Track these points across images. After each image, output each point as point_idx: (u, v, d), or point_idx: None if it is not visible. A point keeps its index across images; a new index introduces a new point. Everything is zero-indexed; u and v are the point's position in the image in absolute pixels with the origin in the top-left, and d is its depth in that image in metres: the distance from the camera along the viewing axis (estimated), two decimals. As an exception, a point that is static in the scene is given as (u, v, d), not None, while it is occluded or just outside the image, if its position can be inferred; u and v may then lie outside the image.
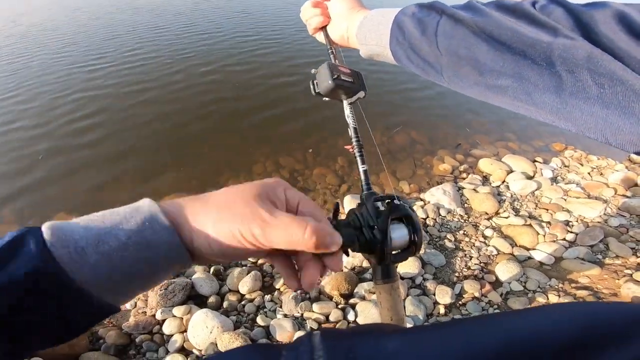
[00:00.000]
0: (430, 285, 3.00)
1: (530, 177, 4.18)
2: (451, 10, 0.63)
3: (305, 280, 0.51)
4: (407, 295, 2.90)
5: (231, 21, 9.71)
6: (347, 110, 0.82)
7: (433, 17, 0.64)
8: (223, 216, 0.44)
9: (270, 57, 7.25)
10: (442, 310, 2.87)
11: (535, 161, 4.63)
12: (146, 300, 2.82)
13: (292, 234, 0.43)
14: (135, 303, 2.82)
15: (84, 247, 0.38)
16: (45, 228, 0.38)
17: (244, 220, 0.43)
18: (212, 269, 3.12)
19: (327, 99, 0.85)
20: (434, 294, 2.93)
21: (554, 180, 4.25)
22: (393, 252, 0.61)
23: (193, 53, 7.24)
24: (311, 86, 0.84)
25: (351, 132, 0.79)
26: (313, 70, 0.83)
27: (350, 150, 0.80)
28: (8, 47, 7.96)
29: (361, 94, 0.83)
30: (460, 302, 2.93)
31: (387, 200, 0.65)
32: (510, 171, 4.32)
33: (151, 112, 5.15)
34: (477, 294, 2.93)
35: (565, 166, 4.62)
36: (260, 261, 3.27)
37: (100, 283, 0.39)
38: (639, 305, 0.40)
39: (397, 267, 0.66)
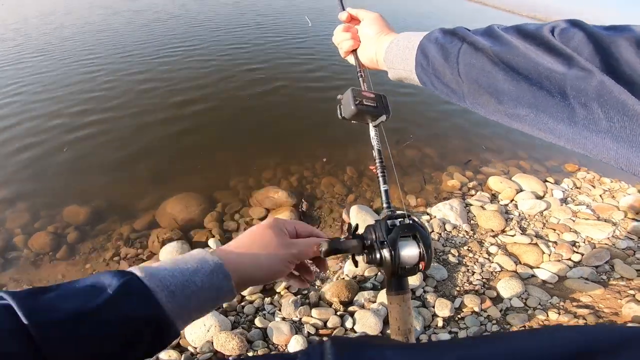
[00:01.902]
0: (430, 297, 2.99)
1: (539, 197, 4.14)
2: (472, 37, 0.64)
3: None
4: (406, 307, 2.89)
5: (259, 31, 9.88)
6: (372, 133, 0.86)
7: (455, 44, 0.66)
8: (269, 252, 0.63)
9: (296, 67, 7.37)
10: (440, 323, 2.85)
11: (546, 181, 4.58)
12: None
13: (312, 247, 0.67)
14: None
15: (174, 291, 0.51)
16: (142, 274, 0.50)
17: (282, 248, 0.64)
18: (215, 270, 3.17)
19: (353, 122, 0.89)
20: (434, 307, 2.92)
21: (564, 201, 4.19)
22: (403, 267, 0.66)
23: (216, 60, 7.38)
24: (338, 111, 0.89)
25: (375, 153, 0.84)
26: (339, 96, 0.88)
27: (374, 170, 0.86)
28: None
29: (383, 117, 0.86)
30: (459, 316, 2.91)
31: (399, 219, 0.70)
32: (520, 190, 4.28)
33: (166, 115, 5.29)
34: (476, 309, 2.90)
35: (577, 187, 4.56)
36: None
37: (181, 317, 0.52)
38: (627, 327, 0.42)
39: (408, 280, 0.73)
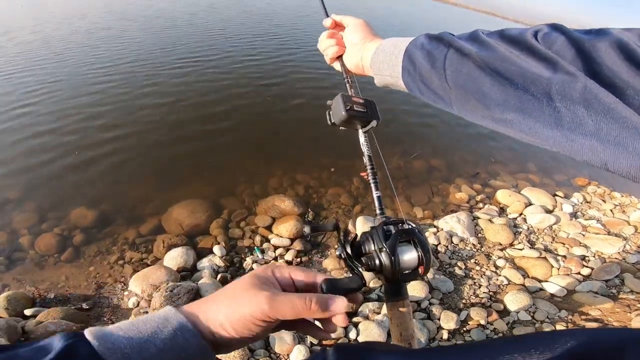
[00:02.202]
0: (435, 310, 2.94)
1: (549, 211, 4.08)
2: (458, 43, 0.64)
3: (331, 328, 0.59)
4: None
5: (271, 43, 10.00)
6: (361, 139, 0.85)
7: (441, 50, 0.65)
8: (233, 307, 0.53)
9: (309, 81, 7.37)
10: (445, 336, 2.81)
11: (555, 195, 4.53)
12: (149, 300, 2.87)
13: (296, 305, 0.52)
14: (138, 302, 2.88)
15: (130, 354, 0.46)
16: (92, 337, 0.46)
17: (251, 303, 0.52)
18: (219, 276, 3.16)
19: (342, 128, 0.87)
20: (439, 319, 2.87)
21: (573, 215, 4.13)
22: (402, 272, 0.65)
23: (228, 70, 7.45)
24: (327, 116, 0.87)
25: (366, 159, 0.82)
26: (328, 102, 0.86)
27: (365, 177, 0.83)
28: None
29: (374, 123, 0.85)
30: (464, 329, 2.87)
31: (398, 224, 0.69)
32: (529, 204, 4.24)
33: (175, 122, 5.35)
34: (482, 322, 2.85)
35: (587, 202, 4.50)
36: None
37: None
38: (628, 329, 0.41)
39: (406, 285, 0.70)
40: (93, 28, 10.24)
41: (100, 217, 3.59)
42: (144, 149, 4.65)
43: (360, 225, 3.72)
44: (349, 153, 4.68)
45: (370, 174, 0.80)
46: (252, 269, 3.30)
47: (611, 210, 4.18)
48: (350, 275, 0.64)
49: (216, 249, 3.39)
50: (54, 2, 14.79)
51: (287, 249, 3.56)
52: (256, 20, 13.13)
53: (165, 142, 4.85)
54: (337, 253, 0.70)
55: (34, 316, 2.62)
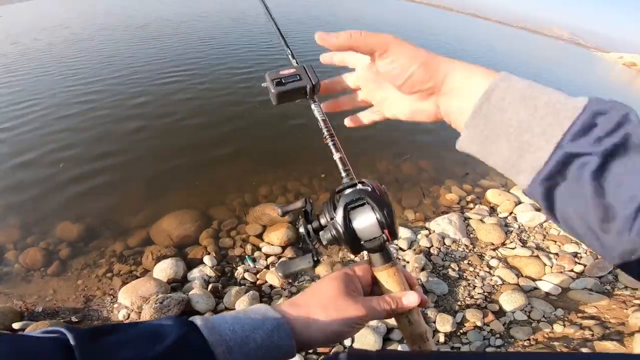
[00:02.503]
0: (431, 313, 2.93)
1: (539, 209, 4.09)
2: None
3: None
4: (407, 323, 2.83)
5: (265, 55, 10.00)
6: (312, 106, 0.78)
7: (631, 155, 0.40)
8: (328, 317, 0.57)
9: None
10: (442, 339, 2.79)
11: (544, 192, 4.49)
12: (139, 312, 2.82)
13: (385, 309, 0.59)
14: (129, 315, 2.83)
15: (232, 347, 0.50)
16: (203, 327, 0.51)
17: (349, 310, 0.57)
18: (210, 286, 3.12)
19: (290, 103, 0.80)
20: (434, 322, 2.85)
21: None
22: (366, 240, 0.58)
23: (218, 81, 7.45)
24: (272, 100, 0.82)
25: (321, 124, 0.75)
26: (263, 84, 0.79)
27: (325, 141, 0.75)
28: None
29: (309, 86, 0.77)
30: (461, 331, 2.85)
31: (350, 188, 0.61)
32: (519, 202, 4.26)
33: (162, 132, 5.31)
34: (479, 323, 2.84)
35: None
36: (259, 282, 3.27)
37: None
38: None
39: (389, 251, 0.61)
40: (75, 39, 10.17)
41: (87, 231, 3.52)
42: (130, 161, 4.58)
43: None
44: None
45: (328, 137, 0.72)
46: (243, 278, 3.27)
47: (602, 206, 4.22)
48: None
49: (206, 259, 3.34)
50: (32, 12, 14.75)
51: (278, 257, 3.52)
52: (247, 29, 13.11)
53: (152, 153, 4.79)
54: (301, 230, 0.64)
55: (22, 329, 2.57)
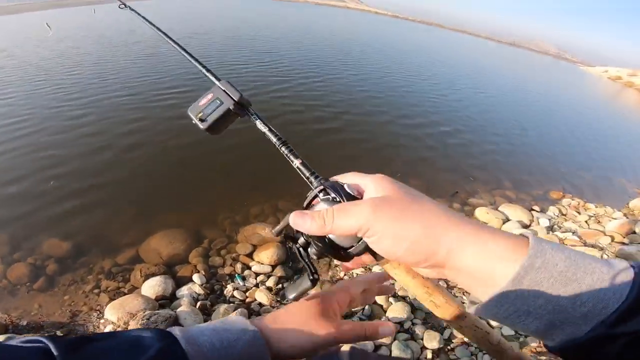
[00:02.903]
0: (418, 330, 2.93)
1: (526, 226, 4.14)
2: None
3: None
4: (394, 340, 2.83)
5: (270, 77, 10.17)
6: (256, 123, 0.71)
7: None
8: (305, 334, 0.59)
9: (290, 105, 7.61)
10: (429, 355, 2.78)
11: (532, 210, 4.61)
12: (126, 327, 2.81)
13: (358, 334, 0.62)
14: (115, 330, 2.81)
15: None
16: (182, 339, 0.52)
17: (322, 329, 0.59)
18: (198, 304, 3.11)
19: (229, 127, 0.78)
20: (422, 339, 2.85)
21: (550, 228, 4.18)
22: (344, 249, 0.54)
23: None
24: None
25: (268, 135, 0.69)
26: (193, 122, 0.76)
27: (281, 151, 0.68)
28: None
29: (230, 103, 0.73)
30: (449, 347, 2.84)
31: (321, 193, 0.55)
32: (507, 220, 4.29)
33: (155, 151, 5.39)
34: (466, 339, 2.82)
35: (563, 215, 4.58)
36: (248, 299, 3.27)
37: None
38: None
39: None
40: (72, 53, 10.38)
41: (75, 248, 3.54)
42: (121, 180, 4.64)
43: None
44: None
45: (281, 146, 0.67)
46: (233, 296, 3.27)
47: (586, 222, 4.25)
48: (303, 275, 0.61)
49: (196, 277, 3.35)
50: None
51: (268, 276, 3.53)
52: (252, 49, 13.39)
53: (144, 172, 4.86)
54: (295, 247, 0.59)
55: (4, 344, 2.55)
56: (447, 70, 17.84)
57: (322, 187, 0.54)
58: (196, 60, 0.86)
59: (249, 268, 3.60)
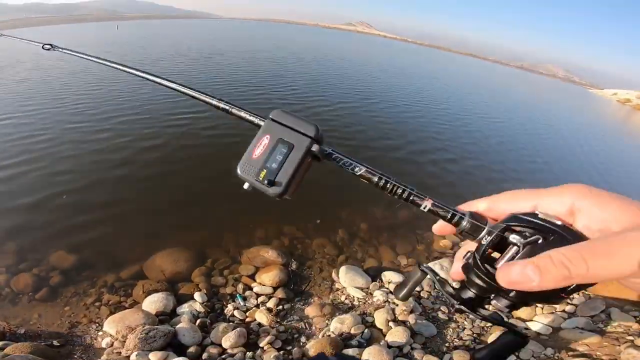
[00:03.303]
0: (417, 354, 2.89)
1: (531, 254, 4.09)
2: None
3: None
4: (393, 364, 2.81)
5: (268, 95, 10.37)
6: (343, 164, 0.52)
7: None
8: None
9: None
10: (428, 379, 2.73)
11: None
12: (124, 341, 2.84)
13: None
14: (112, 343, 2.84)
15: None
16: None
17: None
18: (198, 321, 3.14)
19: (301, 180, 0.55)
20: (421, 364, 2.81)
21: None
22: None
23: (224, 124, 7.63)
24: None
25: (371, 178, 0.50)
26: (245, 186, 0.55)
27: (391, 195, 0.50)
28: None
29: (315, 146, 0.52)
30: (447, 372, 2.78)
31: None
32: (511, 248, 4.25)
33: (164, 171, 5.56)
34: (466, 363, 2.77)
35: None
36: (248, 319, 3.28)
37: None
38: None
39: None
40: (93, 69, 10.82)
41: (81, 261, 3.63)
42: (132, 198, 4.79)
43: (343, 275, 3.74)
44: (335, 205, 4.80)
45: (395, 187, 0.49)
46: (233, 315, 3.30)
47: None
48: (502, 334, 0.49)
49: (197, 296, 3.38)
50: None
51: (269, 297, 3.54)
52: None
53: (155, 192, 5.03)
54: (456, 306, 0.48)
55: (2, 349, 2.60)
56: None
57: (504, 225, 0.43)
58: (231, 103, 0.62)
59: (251, 289, 3.62)
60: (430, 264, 3.94)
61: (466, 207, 0.48)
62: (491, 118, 13.23)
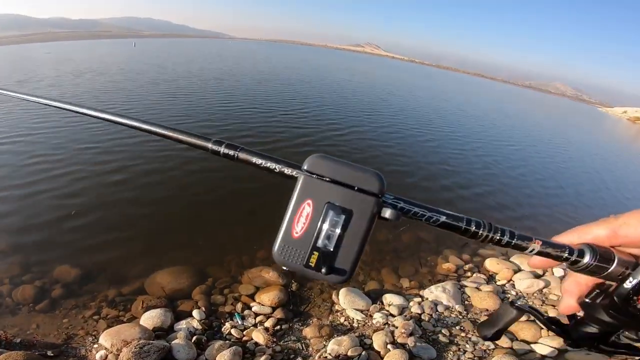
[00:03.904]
0: (416, 377, 2.81)
1: (538, 276, 3.97)
2: None
3: None
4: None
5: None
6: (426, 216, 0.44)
7: None
8: None
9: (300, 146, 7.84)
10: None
11: (547, 260, 4.40)
12: (118, 355, 2.85)
13: None
14: (106, 356, 2.86)
15: None
16: None
17: None
18: (194, 338, 3.14)
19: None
20: (419, 387, 2.73)
21: (564, 278, 3.95)
22: None
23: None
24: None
25: (455, 224, 0.44)
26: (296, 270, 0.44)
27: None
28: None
29: (370, 204, 0.42)
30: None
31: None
32: (518, 270, 4.16)
33: (173, 193, 5.66)
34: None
35: (583, 263, 4.31)
36: (245, 338, 3.26)
37: None
38: None
39: None
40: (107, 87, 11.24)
41: (84, 275, 3.71)
42: (138, 216, 4.89)
43: (343, 297, 3.70)
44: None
45: (486, 228, 0.43)
46: (230, 333, 3.29)
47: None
48: None
49: (195, 313, 3.40)
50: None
51: (267, 317, 3.52)
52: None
53: (161, 211, 5.12)
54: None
55: (-3, 356, 2.64)
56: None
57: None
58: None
59: (250, 308, 3.62)
60: (432, 287, 3.87)
61: (578, 234, 0.43)
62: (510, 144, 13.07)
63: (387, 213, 0.40)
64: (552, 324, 0.48)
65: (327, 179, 0.42)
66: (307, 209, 0.41)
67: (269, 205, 5.17)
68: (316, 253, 0.40)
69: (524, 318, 3.28)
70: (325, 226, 0.41)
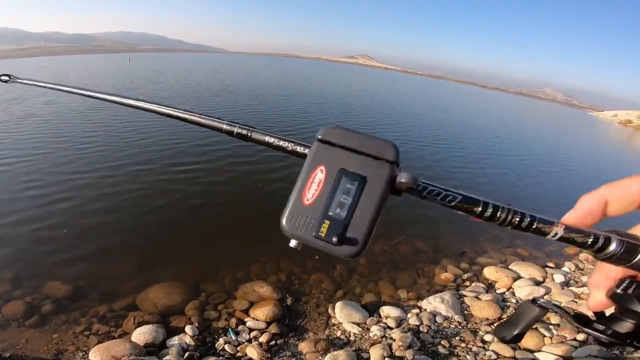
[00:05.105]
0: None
1: (539, 283, 3.91)
2: None
3: None
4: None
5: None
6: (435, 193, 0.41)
7: None
8: None
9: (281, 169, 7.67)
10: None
11: (546, 266, 4.40)
12: (109, 371, 2.80)
13: None
14: (97, 371, 2.80)
15: None
16: None
17: None
18: (186, 354, 3.08)
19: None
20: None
21: (565, 284, 3.93)
22: None
23: (216, 160, 7.77)
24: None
25: (468, 206, 0.40)
26: (292, 244, 0.41)
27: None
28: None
29: (403, 176, 0.39)
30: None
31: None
32: (518, 278, 4.09)
33: (165, 204, 5.65)
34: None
35: (580, 269, 4.34)
36: (239, 354, 3.19)
37: None
38: None
39: None
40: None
41: (75, 291, 3.67)
42: (130, 232, 4.87)
43: (339, 310, 3.63)
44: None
45: (505, 211, 0.39)
46: (223, 349, 3.22)
47: (604, 275, 4.00)
48: None
49: (188, 329, 3.34)
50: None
51: (262, 332, 3.45)
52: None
53: (154, 226, 5.10)
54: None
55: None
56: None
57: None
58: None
59: (244, 323, 3.55)
60: (430, 298, 3.79)
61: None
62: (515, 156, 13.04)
63: (404, 177, 0.38)
64: (581, 321, 0.43)
65: (341, 146, 0.40)
66: (320, 175, 0.40)
67: (263, 219, 5.17)
68: (327, 222, 0.38)
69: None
70: (338, 193, 0.39)
